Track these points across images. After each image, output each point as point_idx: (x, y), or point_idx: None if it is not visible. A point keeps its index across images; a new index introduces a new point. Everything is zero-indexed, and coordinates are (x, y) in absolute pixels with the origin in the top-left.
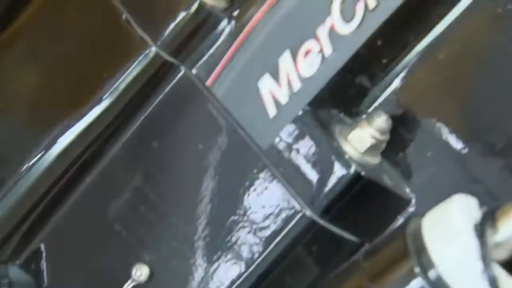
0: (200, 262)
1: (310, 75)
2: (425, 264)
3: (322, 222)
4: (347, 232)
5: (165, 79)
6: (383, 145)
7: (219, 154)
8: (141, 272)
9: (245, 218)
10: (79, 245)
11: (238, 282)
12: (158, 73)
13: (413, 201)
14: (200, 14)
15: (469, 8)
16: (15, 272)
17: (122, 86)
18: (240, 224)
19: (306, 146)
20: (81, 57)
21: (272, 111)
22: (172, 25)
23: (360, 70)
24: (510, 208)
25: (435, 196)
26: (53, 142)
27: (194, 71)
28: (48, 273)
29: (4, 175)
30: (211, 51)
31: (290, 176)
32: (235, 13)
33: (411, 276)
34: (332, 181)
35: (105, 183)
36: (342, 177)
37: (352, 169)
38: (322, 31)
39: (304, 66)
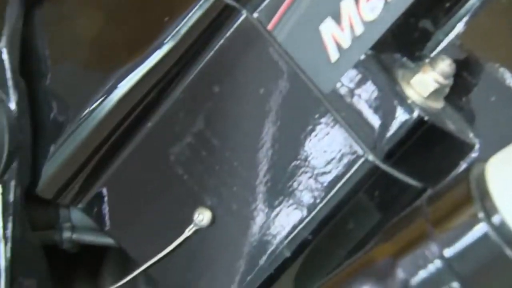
0: (261, 207)
1: (373, 19)
2: (489, 209)
3: (384, 167)
4: (409, 177)
5: (227, 23)
6: (447, 90)
7: (280, 98)
8: (203, 216)
9: (307, 163)
10: (140, 189)
11: (300, 227)
12: (219, 17)
13: (477, 146)
14: None
15: None
16: (77, 215)
17: (184, 30)
18: (302, 169)
19: (368, 90)
20: (143, 1)
21: (334, 55)
22: None
23: (423, 14)
24: None
25: (498, 141)
26: (114, 86)
27: (255, 14)
28: (110, 216)
29: (66, 119)
30: None
31: (352, 121)
32: None
33: (475, 221)
34: (394, 125)
35: (166, 127)
36: (405, 121)
37: (415, 114)
38: None
39: (367, 10)
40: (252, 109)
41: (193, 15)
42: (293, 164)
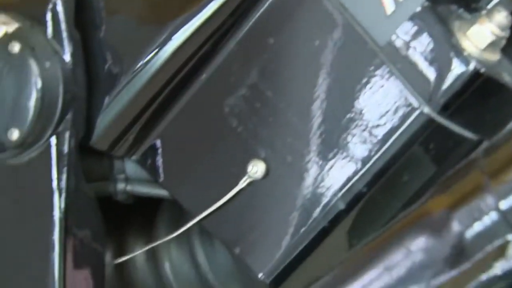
0: (315, 159)
1: None
2: None
3: (440, 119)
4: (465, 129)
5: None
6: (503, 42)
7: (335, 50)
8: (257, 168)
9: (361, 115)
10: (194, 140)
11: (354, 179)
12: None
13: None
14: None
15: None
16: (131, 167)
17: None
18: (356, 122)
19: (424, 42)
20: None
21: (389, 7)
22: None
23: None
24: None
25: None
26: (169, 38)
27: None
28: (164, 168)
29: (120, 71)
30: None
31: (408, 73)
32: None
33: None
34: (450, 78)
35: (221, 79)
36: (461, 74)
37: (472, 66)
38: None
39: None
40: (307, 61)
41: None
42: (347, 116)
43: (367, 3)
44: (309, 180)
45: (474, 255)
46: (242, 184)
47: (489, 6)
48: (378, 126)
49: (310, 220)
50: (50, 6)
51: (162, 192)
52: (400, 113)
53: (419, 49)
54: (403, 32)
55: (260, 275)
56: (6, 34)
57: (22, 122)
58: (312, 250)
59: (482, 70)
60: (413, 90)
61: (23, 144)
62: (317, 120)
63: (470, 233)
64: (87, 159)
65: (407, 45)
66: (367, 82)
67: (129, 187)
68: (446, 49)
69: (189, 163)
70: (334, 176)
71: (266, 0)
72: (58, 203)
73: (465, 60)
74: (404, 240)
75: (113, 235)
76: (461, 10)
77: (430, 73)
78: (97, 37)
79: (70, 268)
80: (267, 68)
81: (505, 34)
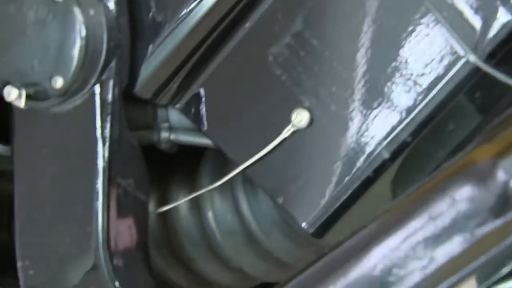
0: (360, 108)
1: None
2: None
3: (486, 67)
4: (511, 78)
5: None
6: None
7: None
8: (301, 117)
9: (406, 64)
10: (238, 89)
11: (399, 129)
12: None
13: None
14: None
15: None
16: (175, 116)
17: None
18: (401, 71)
19: None
20: None
21: None
22: None
23: None
24: None
25: None
26: None
27: None
28: (208, 117)
29: (164, 19)
30: None
31: (453, 22)
32: None
33: None
34: (496, 26)
35: (265, 28)
36: (507, 22)
37: None
38: None
39: None
40: (352, 9)
41: None
42: (392, 65)
43: None
44: (353, 129)
45: None
46: (286, 133)
47: None
48: (423, 74)
49: (354, 169)
50: None
51: (205, 141)
52: (446, 61)
53: None
54: None
55: (303, 224)
56: None
57: (66, 70)
58: (356, 199)
59: None
60: (458, 38)
61: (67, 92)
62: (361, 68)
63: None
64: (131, 108)
65: None
66: (413, 30)
67: (172, 136)
68: None
69: (232, 112)
70: (379, 125)
71: None
72: (102, 152)
73: (511, 9)
74: (449, 190)
75: (156, 184)
76: None
77: (476, 22)
78: None
79: (113, 216)
80: (312, 16)
81: None
